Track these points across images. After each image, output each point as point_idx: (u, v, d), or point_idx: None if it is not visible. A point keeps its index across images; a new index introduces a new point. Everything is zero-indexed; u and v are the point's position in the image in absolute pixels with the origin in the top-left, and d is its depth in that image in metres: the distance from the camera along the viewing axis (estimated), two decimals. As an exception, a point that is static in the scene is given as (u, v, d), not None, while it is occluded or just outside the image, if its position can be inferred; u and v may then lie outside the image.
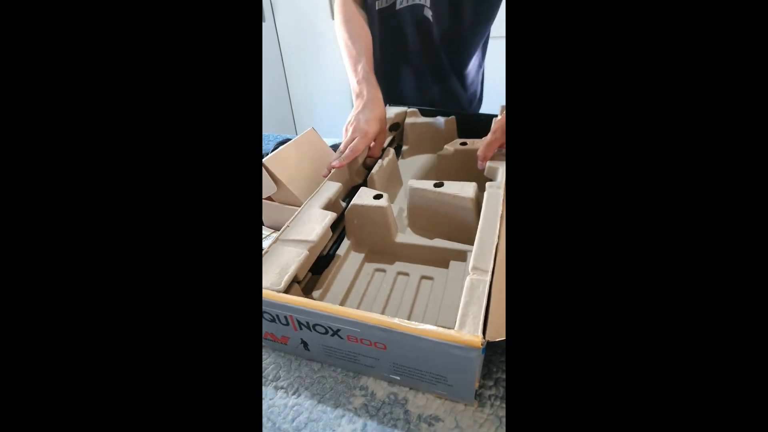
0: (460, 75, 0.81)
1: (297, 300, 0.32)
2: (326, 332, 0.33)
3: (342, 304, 0.42)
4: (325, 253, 0.46)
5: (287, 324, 0.34)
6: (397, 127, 0.70)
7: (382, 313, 0.41)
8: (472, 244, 0.38)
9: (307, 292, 0.43)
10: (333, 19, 0.74)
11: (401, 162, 0.67)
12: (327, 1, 1.75)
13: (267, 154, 0.56)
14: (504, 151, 0.52)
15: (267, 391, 0.37)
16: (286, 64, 2.05)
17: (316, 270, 0.44)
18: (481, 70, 0.87)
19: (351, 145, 0.54)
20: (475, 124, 0.63)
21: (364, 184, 0.54)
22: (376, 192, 0.48)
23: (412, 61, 0.80)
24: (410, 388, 0.36)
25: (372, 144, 0.59)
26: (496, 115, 0.64)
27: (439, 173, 0.62)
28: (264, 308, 0.34)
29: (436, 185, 0.47)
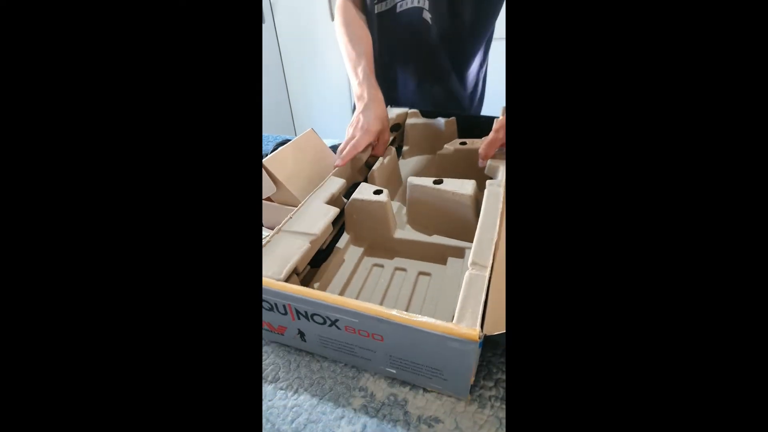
0: (461, 75, 0.82)
1: (297, 289, 0.32)
2: (324, 322, 0.33)
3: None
4: (324, 247, 0.46)
5: (285, 313, 0.34)
6: (398, 127, 0.70)
7: (380, 307, 0.42)
8: (470, 241, 0.38)
9: (305, 285, 0.43)
10: (332, 20, 0.75)
11: (402, 162, 0.68)
12: (326, 2, 1.76)
13: (266, 155, 0.56)
14: (505, 150, 0.53)
15: (266, 392, 0.37)
16: (286, 64, 2.05)
17: (315, 264, 0.45)
18: (483, 69, 0.87)
19: (352, 142, 0.54)
20: (475, 126, 0.64)
21: (365, 181, 0.54)
22: (376, 187, 0.48)
23: (413, 62, 0.80)
24: (410, 389, 0.36)
25: (375, 143, 0.59)
26: (497, 117, 0.64)
27: (439, 172, 0.62)
28: (263, 296, 0.34)
29: (435, 182, 0.48)
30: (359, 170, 0.59)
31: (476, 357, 0.32)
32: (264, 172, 0.53)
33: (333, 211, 0.44)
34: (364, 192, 0.48)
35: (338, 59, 0.70)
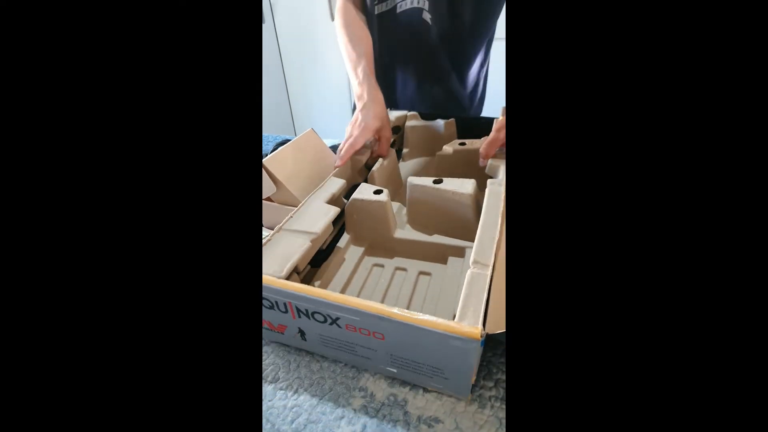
0: (462, 75, 0.82)
1: (298, 287, 0.32)
2: (325, 321, 0.33)
3: (339, 296, 0.42)
4: (324, 247, 0.46)
5: (286, 311, 0.34)
6: (398, 130, 0.71)
7: (380, 306, 0.41)
8: (471, 241, 0.38)
9: (305, 284, 0.42)
10: (332, 20, 0.75)
11: (402, 164, 0.68)
12: (326, 2, 1.76)
13: (266, 155, 0.56)
14: (505, 150, 0.53)
15: (266, 392, 0.37)
16: (285, 64, 2.05)
17: (315, 263, 0.45)
18: (484, 69, 0.87)
19: (350, 140, 0.55)
20: (475, 127, 0.64)
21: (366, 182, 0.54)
22: (376, 187, 0.48)
23: (413, 63, 0.81)
24: (410, 389, 0.36)
25: (376, 140, 0.60)
26: (496, 118, 0.64)
27: (439, 172, 0.62)
28: (264, 294, 0.34)
29: (435, 181, 0.48)
30: (359, 171, 0.59)
31: (478, 356, 0.32)
32: (264, 172, 0.53)
33: (333, 211, 0.44)
34: (364, 192, 0.48)
35: (338, 59, 0.70)
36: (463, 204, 0.46)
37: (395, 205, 0.55)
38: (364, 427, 0.33)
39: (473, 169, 0.54)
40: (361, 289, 0.44)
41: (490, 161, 0.52)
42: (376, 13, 0.75)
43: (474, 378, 0.34)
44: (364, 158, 0.59)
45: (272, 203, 0.55)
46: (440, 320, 0.29)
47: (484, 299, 0.31)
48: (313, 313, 0.33)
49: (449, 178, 0.48)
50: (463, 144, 0.60)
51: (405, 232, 0.49)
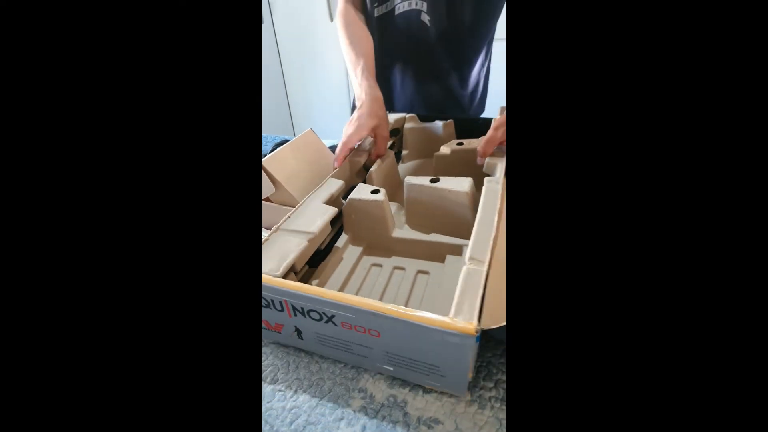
0: (462, 75, 0.82)
1: (293, 285, 0.32)
2: (320, 318, 0.33)
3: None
4: (322, 247, 0.46)
5: (282, 310, 0.34)
6: (396, 132, 0.71)
7: (378, 305, 0.41)
8: (468, 239, 0.38)
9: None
10: (331, 21, 0.76)
11: (401, 166, 0.69)
12: (325, 2, 1.76)
13: (265, 155, 0.56)
14: (504, 148, 0.53)
15: (265, 393, 0.37)
16: (284, 65, 2.06)
17: (313, 263, 0.45)
18: (484, 70, 0.87)
19: (344, 139, 0.55)
20: (474, 128, 0.64)
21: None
22: (373, 187, 0.48)
23: (412, 64, 0.81)
24: (410, 390, 0.36)
25: (372, 137, 0.60)
26: (494, 117, 0.64)
27: (437, 173, 0.62)
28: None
29: (432, 180, 0.48)
30: (357, 173, 0.59)
31: (474, 352, 0.31)
32: (263, 173, 0.53)
33: (331, 211, 0.44)
34: (362, 192, 0.48)
35: (337, 59, 0.71)
36: (460, 202, 0.46)
37: (394, 205, 0.55)
38: (364, 428, 0.33)
39: (471, 168, 0.54)
40: (359, 288, 0.44)
41: (487, 159, 0.52)
42: (375, 15, 0.75)
43: (471, 375, 0.34)
44: (362, 159, 0.59)
45: (271, 204, 0.55)
46: (435, 316, 0.29)
47: (480, 295, 0.31)
48: (309, 311, 0.33)
49: (446, 177, 0.48)
50: (460, 144, 0.60)
51: (403, 232, 0.49)
